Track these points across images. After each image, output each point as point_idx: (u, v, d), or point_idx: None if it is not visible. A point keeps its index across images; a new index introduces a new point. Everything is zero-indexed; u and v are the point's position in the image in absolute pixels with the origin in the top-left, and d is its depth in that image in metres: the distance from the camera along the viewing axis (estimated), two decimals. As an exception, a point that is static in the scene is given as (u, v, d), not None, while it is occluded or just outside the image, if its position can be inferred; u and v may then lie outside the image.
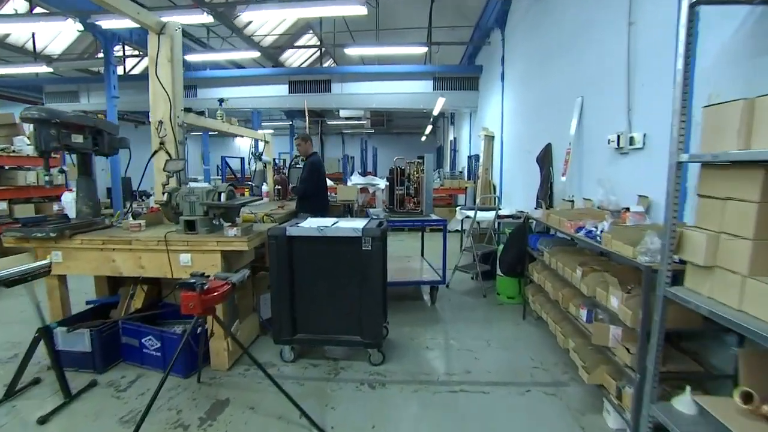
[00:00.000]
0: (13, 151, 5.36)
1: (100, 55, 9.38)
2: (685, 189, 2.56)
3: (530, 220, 4.18)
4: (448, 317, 4.34)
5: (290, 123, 18.19)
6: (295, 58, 15.91)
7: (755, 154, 1.41)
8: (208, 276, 2.34)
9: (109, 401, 2.74)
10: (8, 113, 5.77)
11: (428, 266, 5.18)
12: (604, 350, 2.44)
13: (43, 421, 2.48)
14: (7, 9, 8.63)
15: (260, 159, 6.18)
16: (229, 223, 3.06)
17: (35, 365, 3.06)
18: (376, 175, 14.60)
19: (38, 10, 7.48)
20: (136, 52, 11.72)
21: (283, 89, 11.23)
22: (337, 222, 3.34)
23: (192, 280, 2.14)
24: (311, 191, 5.12)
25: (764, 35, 2.07)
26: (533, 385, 2.99)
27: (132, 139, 3.69)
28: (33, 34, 10.08)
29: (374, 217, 3.97)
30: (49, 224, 3.05)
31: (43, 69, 9.31)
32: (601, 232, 2.62)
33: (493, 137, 8.58)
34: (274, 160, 9.09)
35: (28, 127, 5.31)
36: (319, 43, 11.71)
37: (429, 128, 17.33)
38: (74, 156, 3.29)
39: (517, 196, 6.80)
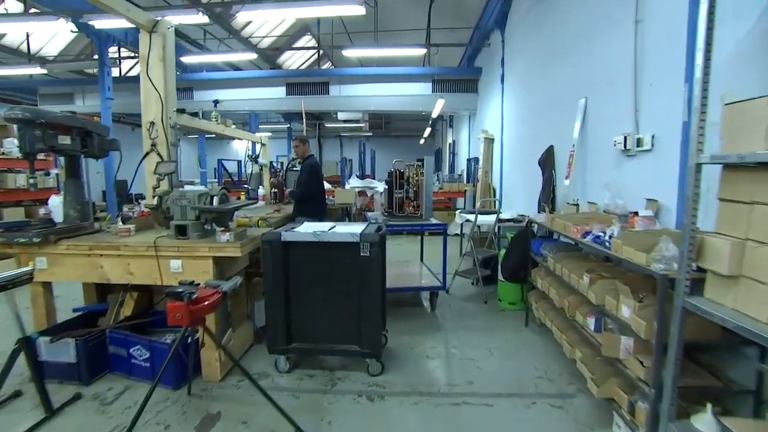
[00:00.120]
0: (3, 153, 5.23)
1: (96, 57, 9.26)
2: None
3: (533, 225, 4.08)
4: (448, 324, 4.22)
5: (288, 126, 18.09)
6: (293, 60, 15.83)
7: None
8: (198, 284, 2.21)
9: (93, 416, 2.60)
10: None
11: (428, 271, 5.07)
12: (614, 362, 2.32)
13: (21, 438, 2.35)
14: None
15: (256, 162, 6.07)
16: (222, 228, 2.94)
17: (18, 376, 2.92)
18: (374, 178, 14.48)
19: (32, 11, 7.39)
20: (132, 54, 11.60)
21: (280, 91, 11.13)
22: (334, 227, 3.22)
23: (180, 289, 2.01)
24: (309, 194, 5.01)
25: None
26: (538, 397, 2.86)
27: (128, 142, 3.58)
28: (27, 36, 9.96)
29: (373, 221, 3.85)
30: (33, 229, 2.92)
31: (37, 70, 9.19)
32: (610, 237, 2.50)
33: (492, 140, 8.48)
34: (271, 162, 8.98)
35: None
36: (316, 45, 11.61)
37: (428, 131, 17.24)
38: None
39: (518, 200, 6.69)
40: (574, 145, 4.12)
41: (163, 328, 3.40)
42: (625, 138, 3.18)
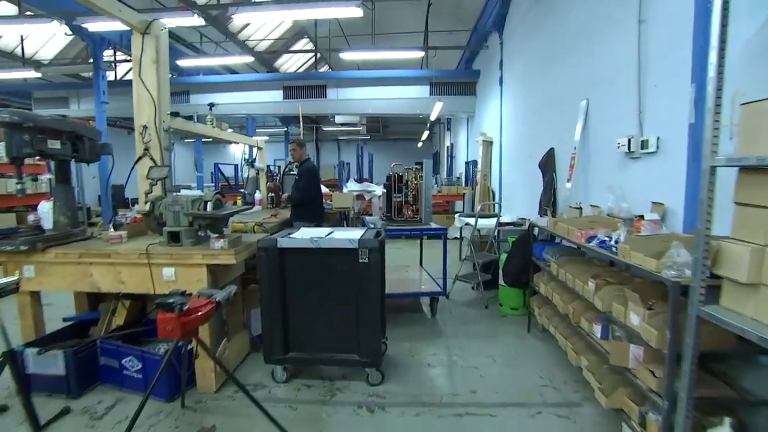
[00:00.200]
0: (-7, 158, 5.13)
1: (91, 60, 9.17)
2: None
3: (534, 228, 4.00)
4: (449, 331, 4.13)
5: (285, 129, 18.02)
6: (290, 63, 15.78)
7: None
8: (190, 294, 2.12)
9: (82, 431, 2.50)
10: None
11: (428, 276, 4.98)
12: (622, 370, 2.24)
13: (6, 456, 2.25)
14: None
15: (253, 166, 5.98)
16: (216, 235, 2.85)
17: (4, 390, 2.83)
18: (372, 182, 14.41)
19: (27, 13, 7.29)
20: (128, 57, 11.52)
21: (277, 95, 11.07)
22: (331, 232, 3.14)
23: (170, 300, 1.92)
24: (308, 199, 4.93)
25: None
26: (544, 407, 2.78)
27: (124, 146, 3.50)
28: (22, 39, 9.86)
29: (371, 226, 3.77)
30: (20, 236, 2.83)
31: (31, 74, 9.09)
32: (617, 242, 2.43)
33: (491, 142, 8.43)
34: (268, 166, 8.90)
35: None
36: (314, 48, 11.56)
37: (426, 134, 17.20)
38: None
39: (518, 203, 6.63)
40: (575, 148, 4.06)
41: (156, 338, 3.29)
42: (629, 140, 3.12)
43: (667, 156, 2.80)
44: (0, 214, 5.35)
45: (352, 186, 11.22)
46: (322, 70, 13.96)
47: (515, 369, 3.32)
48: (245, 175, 6.32)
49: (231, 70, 13.14)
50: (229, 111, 11.07)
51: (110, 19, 3.50)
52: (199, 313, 2.05)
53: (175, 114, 3.66)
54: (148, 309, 3.51)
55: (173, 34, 10.14)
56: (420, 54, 9.62)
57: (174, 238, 2.86)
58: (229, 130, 5.71)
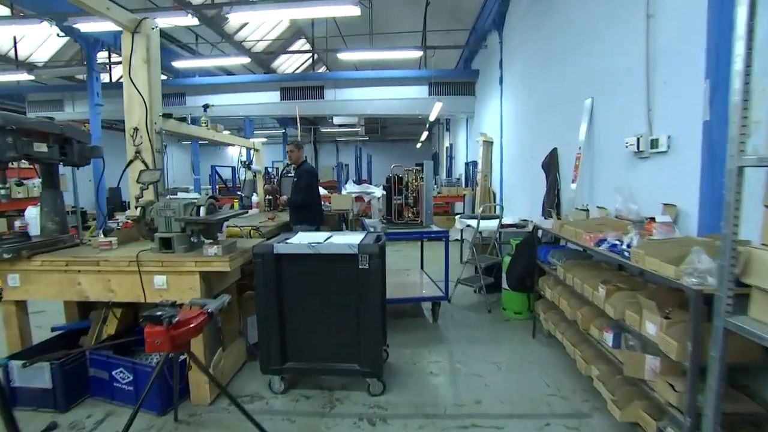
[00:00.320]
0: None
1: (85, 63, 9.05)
2: (722, 196, 2.28)
3: (538, 231, 3.89)
4: (452, 336, 4.02)
5: (283, 131, 17.91)
6: (287, 64, 15.67)
7: None
8: (181, 305, 2.01)
9: (68, 449, 2.38)
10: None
11: (429, 280, 4.87)
12: (637, 382, 2.13)
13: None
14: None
15: (249, 168, 5.86)
16: (210, 241, 2.73)
17: (-12, 404, 2.69)
18: (371, 183, 14.29)
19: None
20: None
21: (274, 96, 10.95)
22: (330, 237, 3.03)
23: (158, 312, 1.80)
24: (308, 201, 4.83)
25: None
26: (552, 417, 2.67)
27: (120, 149, 3.37)
28: (15, 41, 9.73)
29: (371, 230, 3.66)
30: (5, 243, 2.70)
31: (24, 77, 8.96)
32: (629, 246, 2.32)
33: (491, 143, 8.33)
34: (266, 168, 8.77)
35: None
36: (311, 49, 11.45)
37: (425, 135, 17.10)
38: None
39: (519, 204, 6.53)
40: (580, 148, 3.95)
41: (148, 348, 3.18)
42: (638, 139, 3.01)
43: (678, 155, 2.70)
44: (-9, 219, 5.22)
45: (350, 188, 11.09)
46: (319, 71, 13.86)
47: (521, 376, 3.21)
48: (242, 177, 6.21)
49: (227, 72, 13.02)
50: (226, 113, 10.95)
51: (102, 19, 3.39)
52: (191, 326, 1.93)
53: (167, 116, 3.55)
54: (140, 318, 3.38)
55: (168, 36, 10.03)
56: (418, 54, 9.52)
57: (166, 244, 2.74)
58: (226, 132, 5.60)
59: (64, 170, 3.36)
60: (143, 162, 3.29)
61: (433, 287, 4.58)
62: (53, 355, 2.78)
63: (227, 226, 3.68)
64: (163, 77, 11.64)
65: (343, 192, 10.44)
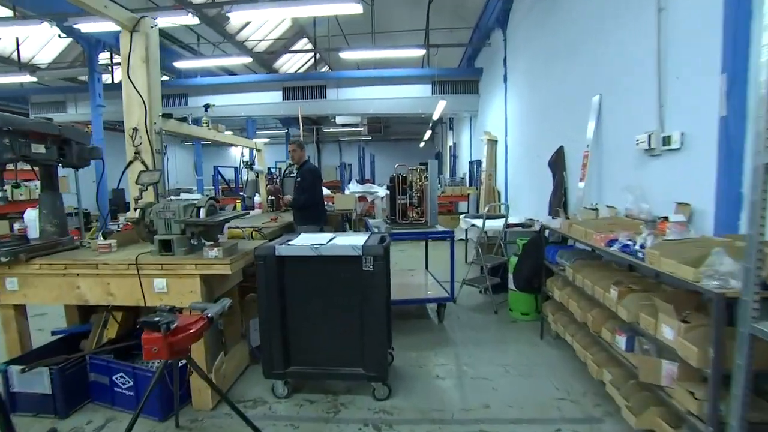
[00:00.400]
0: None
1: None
2: (739, 195, 2.20)
3: (545, 230, 3.81)
4: (458, 338, 3.94)
5: (286, 131, 17.87)
6: (289, 64, 15.63)
7: None
8: (179, 310, 1.95)
9: (67, 456, 2.33)
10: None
11: (434, 281, 4.80)
12: (653, 387, 2.05)
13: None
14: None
15: (251, 168, 5.81)
16: (210, 243, 2.67)
17: (-13, 411, 2.64)
18: (374, 183, 14.23)
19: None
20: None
21: (276, 96, 10.91)
22: (333, 238, 2.96)
23: (156, 318, 1.74)
24: (313, 201, 4.77)
25: None
26: (563, 423, 2.59)
27: (123, 150, 3.32)
28: (17, 42, 9.71)
29: (375, 230, 3.59)
30: (2, 247, 2.65)
31: (27, 78, 8.96)
32: (642, 247, 2.24)
33: (496, 141, 8.24)
34: (269, 169, 8.73)
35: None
36: (313, 48, 11.39)
37: (428, 134, 17.01)
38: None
39: (524, 203, 6.44)
40: (588, 146, 3.87)
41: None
42: (649, 136, 2.92)
43: (692, 152, 2.61)
44: (-7, 222, 5.19)
45: (354, 187, 11.03)
46: (322, 71, 13.81)
47: (529, 380, 3.14)
48: (245, 178, 6.16)
49: (229, 72, 12.99)
50: (229, 113, 10.92)
51: (102, 18, 3.35)
52: (190, 331, 1.87)
53: (167, 116, 3.49)
54: (137, 323, 3.33)
55: (170, 36, 10.00)
56: (421, 52, 9.44)
57: (165, 246, 2.68)
58: (228, 133, 5.55)
59: (66, 172, 3.33)
60: (143, 163, 3.24)
61: (438, 288, 4.51)
62: (53, 360, 2.73)
63: (229, 228, 3.63)
64: (165, 78, 11.65)
65: (347, 192, 10.39)
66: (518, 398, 2.87)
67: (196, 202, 2.72)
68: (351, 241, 2.84)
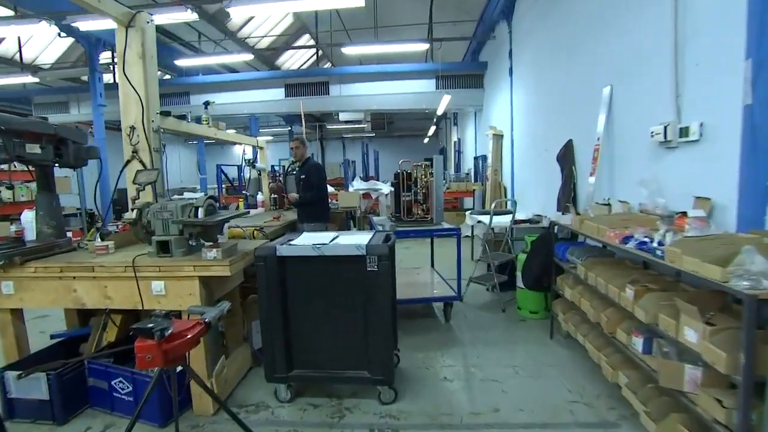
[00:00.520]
0: (-16, 166, 4.92)
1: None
2: (766, 188, 2.07)
3: (555, 227, 3.70)
4: (465, 338, 3.85)
5: (289, 128, 17.78)
6: (291, 61, 15.52)
7: None
8: (175, 315, 1.86)
9: (64, 465, 2.27)
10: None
11: (440, 279, 4.70)
12: (673, 392, 1.94)
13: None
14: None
15: (254, 166, 5.73)
16: (209, 243, 2.59)
17: (-16, 417, 2.59)
18: (378, 180, 14.11)
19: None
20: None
21: (279, 93, 10.82)
22: (336, 237, 2.87)
23: (149, 325, 1.66)
24: (319, 197, 4.69)
25: None
26: (576, 427, 2.49)
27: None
28: (20, 44, 9.69)
29: (379, 228, 3.49)
30: (-3, 250, 2.59)
31: (29, 79, 8.92)
32: (660, 244, 2.12)
33: (501, 136, 8.10)
34: (273, 166, 8.64)
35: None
36: (315, 44, 11.28)
37: (432, 129, 16.85)
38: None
39: (531, 199, 6.31)
40: (599, 139, 3.74)
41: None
42: (665, 128, 2.79)
43: (713, 144, 2.48)
44: (-6, 223, 5.15)
45: (358, 185, 10.93)
46: (324, 67, 13.70)
47: (540, 381, 3.03)
48: (247, 176, 6.09)
49: (231, 70, 12.91)
50: (231, 111, 10.85)
51: (99, 16, 3.27)
52: (187, 337, 1.79)
53: (166, 113, 3.41)
54: (130, 330, 3.26)
55: (171, 34, 9.93)
56: (424, 46, 9.30)
57: (163, 248, 2.60)
58: (230, 131, 5.47)
59: (68, 172, 3.26)
60: (140, 162, 3.16)
61: (445, 286, 4.41)
62: (51, 365, 2.67)
63: (229, 227, 3.55)
64: (167, 76, 11.60)
65: (351, 189, 10.29)
66: (529, 401, 2.77)
67: (194, 201, 2.63)
68: (354, 240, 2.75)
